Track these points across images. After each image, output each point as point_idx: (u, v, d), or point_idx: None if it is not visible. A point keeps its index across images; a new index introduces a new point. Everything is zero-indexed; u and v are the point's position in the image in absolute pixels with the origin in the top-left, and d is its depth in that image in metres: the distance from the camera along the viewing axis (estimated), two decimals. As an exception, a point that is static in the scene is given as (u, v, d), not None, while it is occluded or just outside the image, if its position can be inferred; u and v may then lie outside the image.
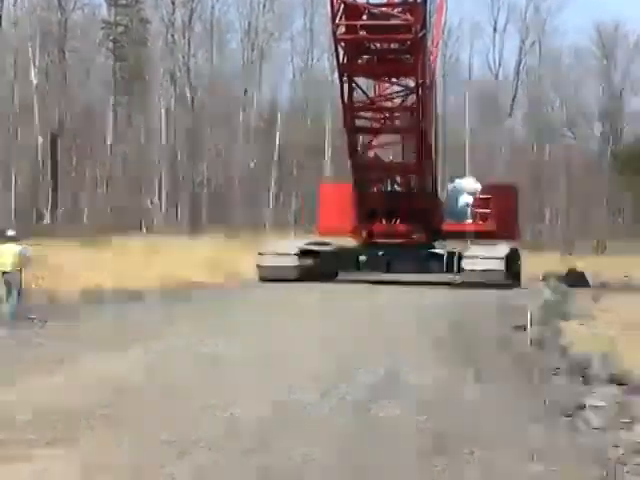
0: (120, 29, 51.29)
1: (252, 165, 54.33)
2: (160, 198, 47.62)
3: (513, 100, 66.54)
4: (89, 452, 7.04)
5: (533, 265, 43.05)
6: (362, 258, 27.23)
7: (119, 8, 49.34)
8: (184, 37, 51.50)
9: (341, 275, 28.77)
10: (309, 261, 27.41)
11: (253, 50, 57.19)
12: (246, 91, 56.59)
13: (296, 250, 27.07)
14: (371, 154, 27.77)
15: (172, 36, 51.37)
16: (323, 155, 58.29)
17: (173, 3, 51.19)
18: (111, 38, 50.43)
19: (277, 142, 57.42)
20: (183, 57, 50.01)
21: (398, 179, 28.43)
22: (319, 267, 27.75)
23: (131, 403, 8.79)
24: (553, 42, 67.74)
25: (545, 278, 30.56)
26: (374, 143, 27.76)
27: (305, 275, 26.81)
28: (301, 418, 8.26)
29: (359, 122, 26.43)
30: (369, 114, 26.93)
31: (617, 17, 69.30)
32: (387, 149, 29.92)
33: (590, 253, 58.30)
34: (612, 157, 68.02)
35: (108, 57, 51.30)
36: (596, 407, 9.75)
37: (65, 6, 45.13)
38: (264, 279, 26.51)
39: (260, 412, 8.42)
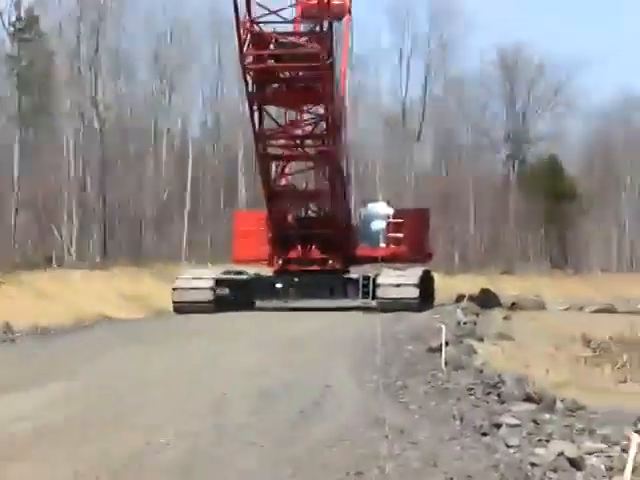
0: (24, 63, 50.23)
1: (165, 197, 53.66)
2: (70, 232, 46.52)
3: (420, 125, 67.58)
4: None
5: (446, 287, 43.62)
6: (278, 286, 26.97)
7: (22, 42, 48.35)
8: (90, 69, 50.75)
9: (258, 303, 28.55)
10: (225, 290, 27.10)
11: (162, 81, 56.75)
12: (156, 122, 56.02)
13: (212, 280, 26.70)
14: (284, 181, 27.66)
15: (78, 68, 50.56)
16: (236, 184, 58.03)
17: (78, 36, 50.47)
18: (15, 72, 49.34)
19: (189, 173, 56.95)
20: (90, 88, 49.19)
21: (312, 206, 28.39)
22: (236, 296, 27.43)
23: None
24: (458, 67, 69.32)
25: (458, 299, 30.87)
26: (287, 170, 27.65)
27: (222, 304, 26.45)
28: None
29: (271, 150, 26.31)
30: (281, 142, 26.80)
31: (519, 41, 70.86)
32: (300, 176, 29.94)
33: (501, 273, 59.44)
34: (518, 179, 69.73)
35: (13, 92, 50.12)
36: (512, 425, 9.77)
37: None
38: (179, 311, 26.10)
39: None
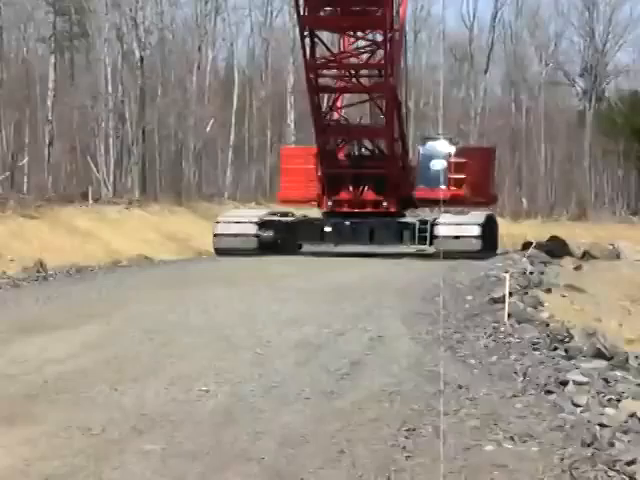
0: (60, -20, 50.30)
1: (208, 129, 53.75)
2: (108, 165, 46.86)
3: (489, 57, 66.43)
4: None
5: (512, 234, 43.22)
6: (327, 229, 26.88)
7: (58, -42, 48.35)
8: (130, -12, 50.51)
9: (305, 247, 28.61)
10: (270, 232, 27.17)
11: (207, 3, 56.47)
12: (200, 48, 55.87)
13: (256, 220, 26.88)
14: (336, 115, 27.48)
15: (117, -13, 50.37)
16: (286, 118, 57.89)
17: (118, -48, 50.11)
18: (50, -10, 49.44)
19: (234, 104, 56.91)
20: (130, 10, 49.03)
21: (366, 143, 28.19)
22: (281, 239, 27.51)
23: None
24: (531, -8, 67.79)
25: (525, 247, 30.62)
26: (339, 104, 27.51)
27: (266, 247, 26.63)
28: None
29: (322, 81, 26.08)
30: (333, 72, 26.60)
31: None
32: (354, 110, 29.71)
33: (573, 219, 58.70)
34: (595, 116, 68.33)
35: (48, 12, 50.30)
36: (580, 383, 9.66)
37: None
38: (221, 252, 26.33)
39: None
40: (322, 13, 24.82)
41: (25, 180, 45.86)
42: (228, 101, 57.48)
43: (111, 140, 46.81)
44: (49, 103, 47.09)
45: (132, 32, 48.46)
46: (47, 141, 46.91)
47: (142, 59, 48.07)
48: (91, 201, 36.14)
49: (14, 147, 48.05)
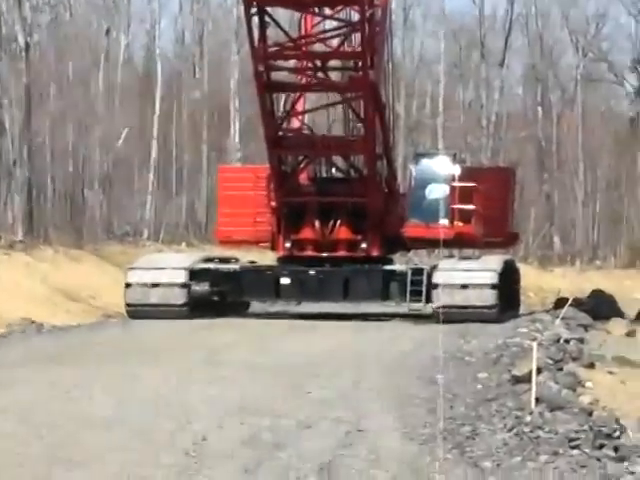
0: None
1: (120, 142, 53.78)
2: (-20, 194, 46.75)
3: (506, 44, 67.22)
4: None
5: (540, 286, 43.48)
6: (284, 281, 27.01)
7: None
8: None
9: (254, 306, 28.67)
10: (205, 285, 27.32)
11: (119, -29, 56.90)
12: (108, 31, 56.10)
13: (185, 266, 27.03)
14: (296, 123, 27.76)
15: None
16: (228, 127, 58.11)
17: None
18: None
19: (157, 108, 57.06)
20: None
21: (337, 161, 28.48)
22: (220, 294, 27.62)
23: None
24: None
25: (558, 304, 30.85)
26: (300, 107, 27.76)
27: (199, 305, 26.75)
28: None
29: (277, 76, 26.50)
30: (291, 63, 26.95)
31: None
32: (320, 116, 29.96)
33: (623, 267, 59.22)
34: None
35: None
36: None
37: None
38: (135, 311, 26.54)
39: None
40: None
41: None
42: (148, 104, 57.58)
43: (-16, 159, 46.65)
44: None
45: (14, 10, 48.54)
46: None
47: (28, 47, 48.08)
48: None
49: None
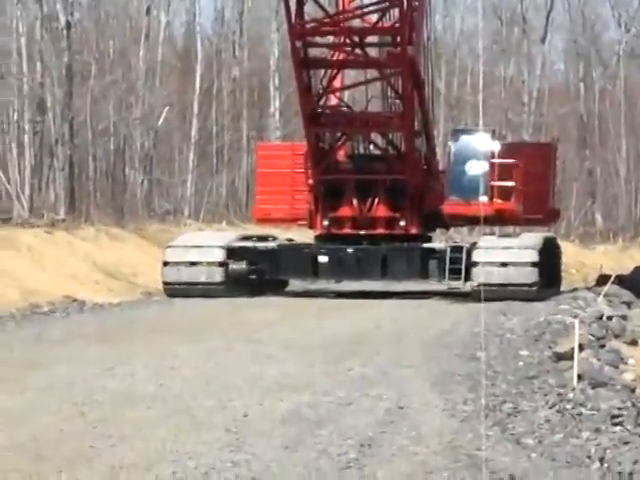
0: None
1: (160, 121, 53.91)
2: (22, 173, 46.94)
3: (547, 18, 66.84)
4: None
5: (582, 263, 43.25)
6: (322, 259, 27.01)
7: None
8: None
9: (292, 284, 28.71)
10: (242, 264, 27.32)
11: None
12: (149, 10, 56.18)
13: (222, 245, 27.02)
14: (333, 100, 27.78)
15: None
16: (268, 105, 58.13)
17: None
18: None
19: (197, 86, 57.14)
20: (52, -41, 49.36)
21: (375, 138, 28.40)
22: (258, 272, 27.64)
23: None
24: None
25: (600, 281, 30.74)
26: (337, 84, 27.72)
27: (237, 284, 26.79)
28: None
29: (314, 52, 26.63)
30: (329, 40, 26.95)
31: None
32: (358, 92, 29.90)
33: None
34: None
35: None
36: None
37: None
38: (173, 289, 26.63)
39: None
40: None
41: None
42: (188, 82, 57.68)
43: (26, 138, 46.87)
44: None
45: (55, -12, 48.68)
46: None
47: (69, 25, 48.20)
48: (-1, 223, 36.18)
49: None
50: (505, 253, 25.68)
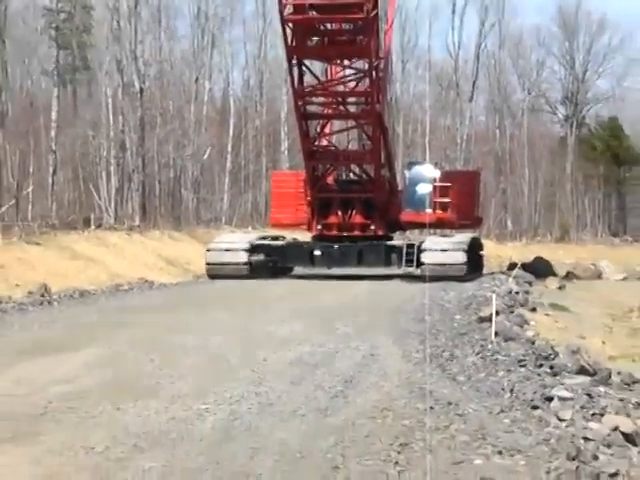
0: (62, 16, 50.42)
1: (205, 157, 53.78)
2: (109, 192, 46.83)
3: (474, 84, 66.67)
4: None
5: (497, 255, 43.23)
6: (317, 253, 26.81)
7: (61, -5, 48.44)
8: (130, 23, 50.63)
9: (296, 270, 28.54)
10: (261, 256, 27.13)
11: (203, 36, 56.70)
12: (197, 79, 56.04)
13: (246, 244, 26.79)
14: (324, 141, 27.52)
15: (117, 22, 50.49)
16: (280, 145, 57.99)
17: (117, -13, 50.26)
18: (53, 26, 49.55)
19: (231, 132, 57.03)
20: (130, 44, 49.16)
21: (353, 167, 28.22)
22: (272, 262, 27.48)
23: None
24: (514, 23, 68.05)
25: (510, 267, 30.67)
26: (327, 130, 27.55)
27: (257, 270, 26.54)
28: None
29: (310, 108, 26.19)
30: (321, 99, 26.65)
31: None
32: (341, 135, 29.78)
33: (556, 241, 58.78)
34: (576, 141, 68.59)
35: (51, 46, 50.38)
36: (564, 399, 9.63)
37: (4, -6, 44.02)
38: (212, 276, 26.32)
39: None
40: (309, 43, 24.82)
41: (30, 208, 45.76)
42: (224, 129, 57.59)
43: (112, 168, 46.81)
44: (52, 134, 47.10)
45: (132, 65, 48.55)
46: (51, 170, 46.88)
47: (142, 90, 48.15)
48: (93, 227, 36.07)
49: (19, 176, 48.03)
50: (445, 243, 25.54)
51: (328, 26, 24.70)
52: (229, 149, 56.33)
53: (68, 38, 51.23)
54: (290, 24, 23.86)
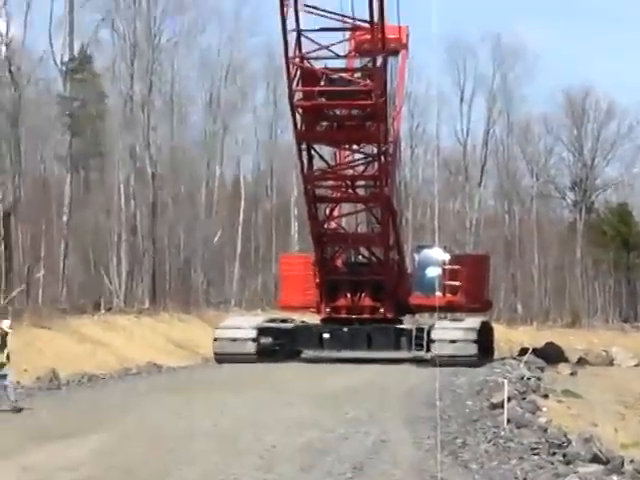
0: (76, 103, 51.21)
1: (215, 240, 54.00)
2: (120, 275, 46.91)
3: (482, 170, 67.08)
4: None
5: (508, 340, 42.88)
6: (326, 336, 26.54)
7: (75, 82, 49.31)
8: (143, 111, 51.48)
9: (305, 353, 28.30)
10: (269, 339, 26.92)
11: (215, 122, 57.49)
12: (209, 164, 56.63)
13: (254, 328, 26.52)
14: (333, 224, 27.47)
15: (131, 110, 51.35)
16: (290, 228, 58.25)
17: (132, 76, 51.29)
18: (67, 113, 50.35)
19: (241, 216, 57.37)
20: (143, 131, 49.90)
21: (363, 250, 28.13)
22: (280, 345, 27.25)
23: None
24: (521, 110, 68.65)
25: (521, 353, 30.36)
26: (336, 213, 27.50)
27: (265, 354, 26.32)
28: None
29: (319, 191, 26.16)
30: (330, 183, 26.69)
31: (587, 84, 69.92)
32: (350, 218, 29.78)
33: (567, 326, 58.37)
34: (586, 226, 68.71)
35: (64, 132, 51.10)
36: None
37: (19, 81, 44.88)
38: (220, 359, 26.02)
39: None
40: (318, 128, 24.89)
41: (40, 292, 45.80)
42: (235, 212, 57.92)
43: (123, 251, 46.96)
44: (65, 218, 47.40)
45: (144, 151, 49.18)
46: (62, 254, 47.02)
47: (154, 175, 48.61)
48: (103, 311, 36.05)
49: (30, 260, 48.23)
50: (454, 333, 25.24)
51: (337, 112, 24.82)
52: (239, 232, 56.56)
53: (82, 125, 51.98)
54: (300, 110, 24.05)
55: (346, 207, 30.63)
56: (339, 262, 27.77)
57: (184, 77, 55.76)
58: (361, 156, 26.64)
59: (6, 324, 15.62)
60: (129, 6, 49.62)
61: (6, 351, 15.15)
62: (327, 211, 27.13)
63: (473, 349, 24.73)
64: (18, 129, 46.57)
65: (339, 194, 26.85)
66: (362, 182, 26.97)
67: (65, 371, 21.63)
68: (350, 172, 26.54)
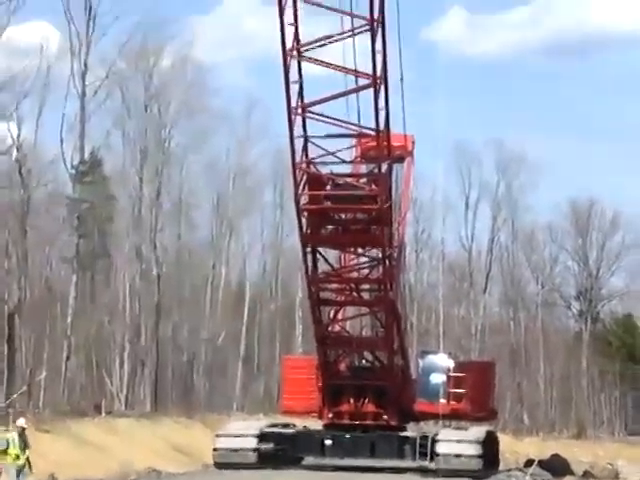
0: (85, 205, 51.44)
1: (219, 341, 53.47)
2: (122, 378, 46.27)
3: (487, 276, 66.84)
4: None
5: (513, 450, 41.86)
6: (328, 442, 26.00)
7: (84, 185, 49.63)
8: (151, 213, 51.74)
9: (306, 460, 27.51)
10: (270, 444, 26.23)
11: (222, 224, 57.71)
12: (214, 265, 56.57)
13: (254, 436, 26.00)
14: (337, 327, 27.16)
15: (139, 212, 51.60)
16: (294, 329, 57.74)
17: (141, 179, 51.71)
18: (76, 215, 50.49)
19: (245, 317, 56.99)
20: (150, 232, 50.03)
21: (366, 354, 27.72)
22: (282, 451, 26.56)
23: None
24: (526, 218, 68.86)
25: (527, 464, 29.54)
26: (340, 316, 27.23)
27: (267, 460, 25.65)
28: None
29: (324, 294, 26.02)
30: (334, 286, 26.54)
31: (592, 194, 70.28)
32: (354, 322, 29.43)
33: (573, 437, 57.10)
34: (591, 336, 67.95)
35: (72, 234, 51.15)
36: None
37: (28, 183, 45.15)
38: (220, 465, 25.39)
39: None
40: (323, 231, 24.88)
41: (41, 394, 45.03)
42: (239, 313, 57.54)
43: (126, 353, 46.42)
44: (69, 320, 46.97)
45: (151, 252, 49.19)
46: (65, 356, 46.39)
47: (159, 276, 48.52)
48: (104, 414, 35.46)
49: (33, 362, 47.61)
50: (459, 447, 24.50)
51: (342, 215, 24.84)
52: (243, 333, 56.05)
53: (90, 227, 52.12)
54: (305, 213, 24.10)
55: (350, 310, 30.31)
56: (342, 366, 27.37)
57: (192, 180, 56.25)
58: (366, 260, 26.50)
59: (21, 422, 15.74)
60: (140, 112, 50.43)
61: (27, 452, 15.22)
62: (331, 314, 26.84)
63: (478, 464, 24.22)
64: (26, 230, 46.67)
65: (343, 297, 26.64)
66: (367, 285, 26.79)
67: (64, 475, 21.20)
68: (355, 275, 26.44)
